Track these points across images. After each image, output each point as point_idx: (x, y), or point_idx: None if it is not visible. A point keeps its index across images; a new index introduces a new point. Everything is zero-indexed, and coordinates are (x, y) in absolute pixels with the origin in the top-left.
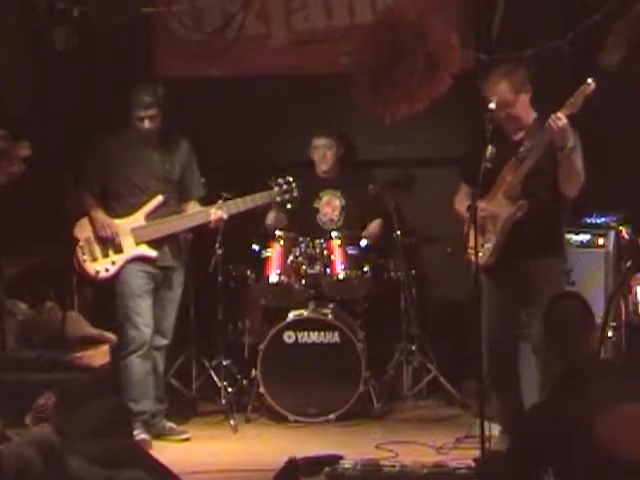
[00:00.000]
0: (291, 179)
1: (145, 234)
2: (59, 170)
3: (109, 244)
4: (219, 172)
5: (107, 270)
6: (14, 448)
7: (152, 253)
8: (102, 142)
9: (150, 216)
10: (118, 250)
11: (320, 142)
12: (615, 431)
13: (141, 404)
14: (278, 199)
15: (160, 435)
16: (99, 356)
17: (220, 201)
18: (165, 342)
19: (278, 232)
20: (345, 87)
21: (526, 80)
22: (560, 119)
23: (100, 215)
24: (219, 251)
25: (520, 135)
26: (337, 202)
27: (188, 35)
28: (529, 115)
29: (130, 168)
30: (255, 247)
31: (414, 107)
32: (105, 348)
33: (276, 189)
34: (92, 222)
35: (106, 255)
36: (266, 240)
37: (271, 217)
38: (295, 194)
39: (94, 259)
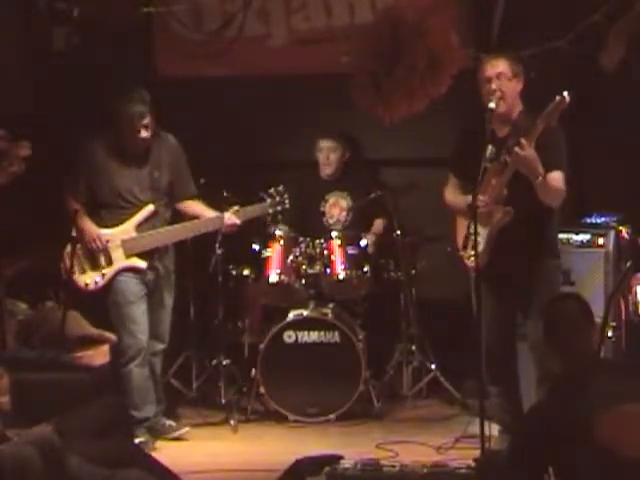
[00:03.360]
0: (282, 189)
1: (135, 247)
2: (59, 170)
3: (98, 256)
4: (219, 172)
5: (96, 283)
6: (14, 448)
7: (142, 264)
8: (89, 149)
9: (140, 227)
10: (108, 263)
11: (325, 144)
12: (615, 431)
13: (143, 411)
14: (270, 211)
15: (159, 433)
16: (99, 356)
17: (235, 207)
18: (162, 346)
19: (278, 232)
20: (345, 87)
21: (522, 72)
22: (524, 148)
23: (89, 226)
24: (219, 251)
25: (505, 131)
26: (344, 203)
27: (188, 35)
28: (516, 106)
29: (117, 178)
30: (255, 247)
31: (414, 107)
32: (105, 348)
33: (269, 201)
34: (80, 233)
35: (95, 267)
36: (266, 240)
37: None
38: (287, 205)
39: (83, 271)
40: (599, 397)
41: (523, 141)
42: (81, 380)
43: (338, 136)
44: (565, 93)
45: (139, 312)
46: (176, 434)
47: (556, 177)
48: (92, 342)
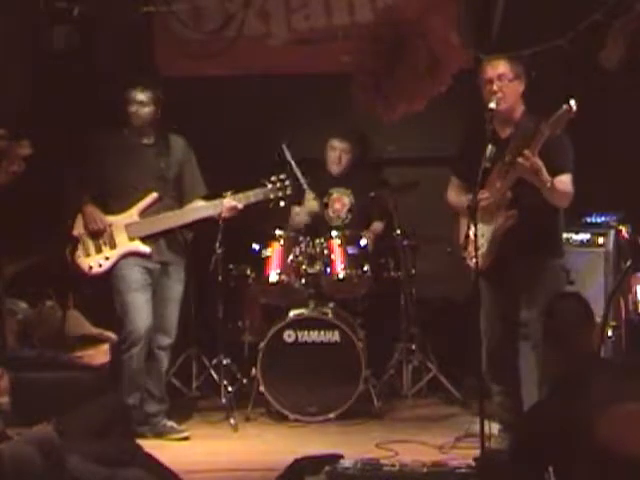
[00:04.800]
0: (284, 176)
1: (139, 230)
2: (59, 170)
3: (102, 240)
4: (219, 172)
5: (100, 265)
6: (14, 447)
7: (145, 249)
8: (98, 141)
9: (144, 213)
10: (112, 246)
11: (339, 145)
12: (615, 430)
13: (131, 397)
14: (272, 196)
15: (160, 434)
16: (99, 355)
17: (229, 192)
18: (169, 341)
19: (278, 231)
20: (345, 86)
21: (523, 73)
22: (528, 159)
23: (90, 209)
24: (219, 250)
25: (508, 132)
26: (346, 200)
27: (188, 34)
28: (518, 107)
29: (126, 167)
30: (255, 246)
31: (413, 107)
32: (105, 347)
33: (270, 186)
34: (83, 216)
35: (99, 251)
36: (266, 239)
37: (301, 213)
38: (289, 192)
39: (87, 254)
40: (599, 397)
41: (527, 152)
42: (81, 380)
43: (352, 137)
44: (572, 102)
45: (141, 300)
46: (176, 436)
47: (564, 180)
48: (92, 341)
